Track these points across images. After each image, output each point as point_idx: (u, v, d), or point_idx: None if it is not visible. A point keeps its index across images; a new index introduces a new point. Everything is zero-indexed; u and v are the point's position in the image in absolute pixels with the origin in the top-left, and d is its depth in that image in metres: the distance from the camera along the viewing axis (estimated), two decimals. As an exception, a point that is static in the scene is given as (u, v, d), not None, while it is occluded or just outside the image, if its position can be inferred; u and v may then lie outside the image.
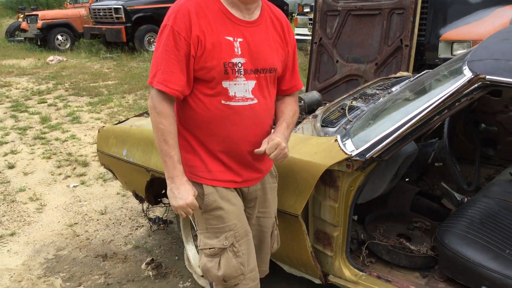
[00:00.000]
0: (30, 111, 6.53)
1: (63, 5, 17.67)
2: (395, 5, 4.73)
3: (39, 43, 13.22)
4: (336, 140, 2.12)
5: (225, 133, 1.71)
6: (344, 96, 2.83)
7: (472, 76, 1.77)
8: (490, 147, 3.23)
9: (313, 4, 5.75)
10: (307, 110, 2.93)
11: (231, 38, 1.64)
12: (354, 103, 2.64)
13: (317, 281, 2.30)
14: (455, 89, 1.81)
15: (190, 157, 1.76)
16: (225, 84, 1.65)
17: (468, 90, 1.78)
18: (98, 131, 3.01)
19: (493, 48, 2.02)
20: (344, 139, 2.12)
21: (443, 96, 1.83)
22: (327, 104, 2.71)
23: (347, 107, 2.54)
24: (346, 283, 2.20)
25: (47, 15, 13.27)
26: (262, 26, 1.73)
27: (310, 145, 2.19)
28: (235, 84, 1.66)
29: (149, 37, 11.60)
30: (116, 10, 11.35)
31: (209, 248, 1.79)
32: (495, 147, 3.20)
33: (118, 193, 3.84)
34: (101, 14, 11.73)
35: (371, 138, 2.00)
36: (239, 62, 1.65)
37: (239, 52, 1.65)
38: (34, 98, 7.40)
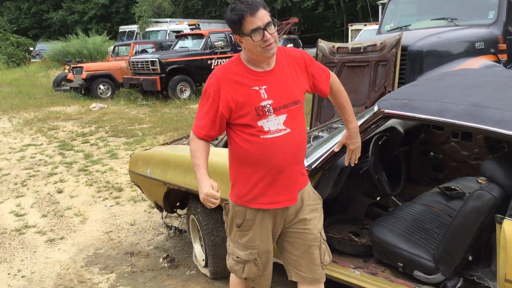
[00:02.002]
0: (75, 149, 7.63)
1: (105, 58, 19.40)
2: (380, 58, 5.59)
3: (83, 92, 14.56)
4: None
5: (267, 162, 2.12)
6: (315, 128, 3.69)
7: (376, 110, 2.60)
8: (439, 171, 3.98)
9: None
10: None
11: (257, 88, 2.10)
12: (320, 133, 3.49)
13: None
14: (366, 118, 2.65)
15: (239, 186, 2.22)
16: (260, 122, 2.09)
17: (374, 119, 2.62)
18: (130, 156, 3.96)
19: (400, 91, 2.86)
20: (300, 157, 2.96)
21: (360, 123, 2.67)
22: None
23: (312, 136, 3.40)
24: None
25: (91, 67, 14.75)
26: (280, 70, 2.16)
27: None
28: (267, 121, 2.10)
29: (181, 86, 12.84)
30: (153, 62, 12.67)
31: (237, 257, 2.31)
32: (442, 171, 3.95)
33: (145, 211, 4.74)
34: (139, 66, 13.07)
35: (317, 155, 2.84)
36: (268, 104, 2.10)
37: (266, 96, 2.10)
38: (78, 139, 8.53)
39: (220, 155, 3.28)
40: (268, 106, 2.10)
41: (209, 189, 2.00)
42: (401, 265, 2.74)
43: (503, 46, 5.90)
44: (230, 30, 2.42)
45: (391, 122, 3.49)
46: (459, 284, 2.57)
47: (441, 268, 2.57)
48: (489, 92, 2.59)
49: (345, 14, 25.41)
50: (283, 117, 2.13)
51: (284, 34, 16.00)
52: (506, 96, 2.52)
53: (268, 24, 1.99)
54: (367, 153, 3.15)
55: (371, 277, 2.77)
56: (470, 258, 2.60)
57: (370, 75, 5.74)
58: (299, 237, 2.31)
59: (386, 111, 2.57)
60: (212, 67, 13.33)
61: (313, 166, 2.78)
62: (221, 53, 13.42)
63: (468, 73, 3.25)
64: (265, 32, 1.99)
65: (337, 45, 6.18)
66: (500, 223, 2.15)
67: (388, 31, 7.11)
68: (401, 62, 5.47)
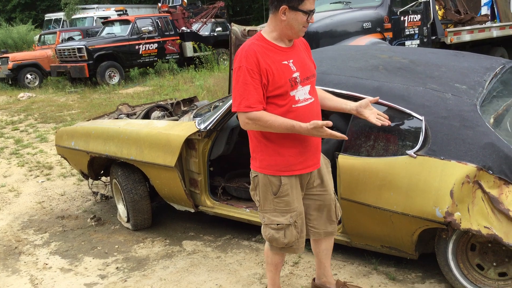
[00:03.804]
0: (6, 136, 7.87)
1: (32, 47, 19.05)
2: (283, 38, 6.33)
3: (10, 82, 14.46)
4: (195, 122, 3.61)
5: None
6: (216, 101, 4.35)
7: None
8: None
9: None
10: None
11: (286, 62, 2.29)
12: (219, 103, 4.14)
13: (192, 210, 3.72)
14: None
15: (270, 158, 2.35)
16: (292, 93, 2.28)
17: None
18: (56, 132, 4.44)
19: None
20: (199, 121, 3.60)
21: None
22: (202, 106, 4.23)
23: (213, 106, 4.05)
24: (208, 208, 3.64)
25: (17, 56, 14.61)
26: (297, 48, 2.38)
27: (181, 126, 3.66)
28: (297, 91, 2.30)
29: (110, 72, 13.09)
30: (79, 49, 12.82)
31: (277, 224, 2.42)
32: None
33: (74, 183, 5.23)
34: (66, 53, 13.15)
35: (212, 119, 3.49)
36: (297, 75, 2.30)
37: (295, 69, 2.30)
38: (8, 127, 8.72)
39: (132, 125, 3.88)
40: (298, 77, 2.31)
41: (313, 122, 2.19)
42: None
43: (388, 25, 6.81)
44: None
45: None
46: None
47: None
48: (336, 63, 3.35)
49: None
50: (307, 88, 2.36)
51: (211, 17, 16.46)
52: (348, 65, 3.29)
53: (314, 10, 2.27)
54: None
55: (258, 213, 3.47)
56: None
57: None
58: (319, 199, 2.54)
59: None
60: (140, 52, 13.67)
61: (208, 128, 3.44)
62: (149, 38, 13.75)
63: (329, 49, 4.02)
64: (312, 16, 2.27)
65: (248, 28, 6.83)
66: (337, 157, 2.90)
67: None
68: (301, 41, 6.24)
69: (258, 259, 3.33)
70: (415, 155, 2.66)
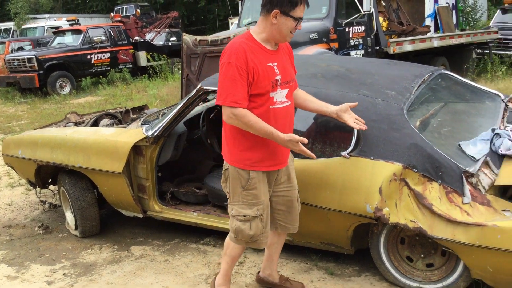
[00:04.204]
0: (-51, 148, 7.62)
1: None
2: (233, 48, 6.48)
3: (-44, 93, 13.99)
4: (142, 129, 3.69)
5: None
6: (164, 108, 4.44)
7: (198, 88, 3.40)
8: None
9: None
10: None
11: (271, 64, 2.40)
12: (166, 111, 4.24)
13: (140, 216, 3.78)
14: (191, 95, 3.45)
15: (241, 153, 2.46)
16: (272, 94, 2.41)
17: (197, 95, 3.42)
18: (2, 141, 4.40)
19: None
20: (147, 128, 3.68)
21: (186, 99, 3.46)
22: (151, 113, 4.32)
23: (161, 113, 4.14)
24: (156, 213, 3.71)
25: (-36, 67, 14.16)
26: (282, 52, 2.50)
27: (128, 133, 3.73)
28: (276, 93, 2.42)
29: (61, 82, 12.88)
30: (29, 59, 12.56)
31: (244, 216, 2.51)
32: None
33: (22, 193, 5.17)
34: (15, 63, 12.85)
35: (159, 126, 3.58)
36: (279, 78, 2.42)
37: (278, 72, 2.42)
38: (-48, 138, 8.45)
39: (80, 133, 3.92)
40: (279, 80, 2.43)
41: (291, 135, 2.33)
42: (227, 204, 3.58)
43: (334, 36, 7.11)
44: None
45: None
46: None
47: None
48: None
49: (230, 7, 26.35)
50: (285, 91, 2.48)
51: (165, 27, 16.49)
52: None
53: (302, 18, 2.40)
54: (203, 123, 3.98)
55: (206, 216, 3.59)
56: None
57: (226, 63, 6.61)
58: (287, 194, 2.68)
59: (204, 87, 3.38)
60: (92, 62, 13.53)
61: (155, 134, 3.53)
62: (101, 47, 13.64)
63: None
64: (300, 23, 2.40)
65: (199, 38, 6.96)
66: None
67: (246, 24, 8.06)
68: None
69: (205, 261, 3.43)
70: (348, 156, 2.84)
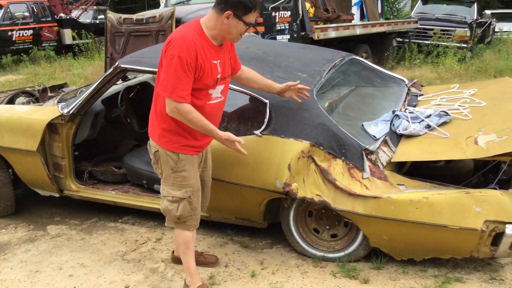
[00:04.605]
0: None
1: None
2: (159, 28, 6.42)
3: None
4: (58, 106, 3.63)
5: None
6: (82, 86, 4.37)
7: (115, 65, 3.40)
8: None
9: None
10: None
11: (215, 62, 2.43)
12: (84, 89, 4.18)
13: (56, 195, 3.74)
14: (108, 73, 3.43)
15: (172, 136, 2.49)
16: (210, 91, 2.47)
17: (114, 73, 3.41)
18: None
19: (139, 52, 3.68)
20: (62, 106, 3.62)
21: (103, 77, 3.45)
22: (69, 91, 4.24)
23: (78, 92, 4.08)
24: (73, 193, 3.68)
25: None
26: (225, 48, 2.52)
27: (43, 110, 3.65)
28: (214, 90, 2.48)
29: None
30: None
31: (172, 197, 2.59)
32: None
33: None
34: None
35: (74, 104, 3.54)
36: (219, 76, 2.48)
37: (220, 70, 2.47)
38: None
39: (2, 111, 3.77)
40: (219, 77, 2.48)
41: (228, 135, 2.47)
42: (145, 182, 3.65)
43: (260, 20, 7.22)
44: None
45: (145, 78, 4.36)
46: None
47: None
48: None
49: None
50: (221, 87, 2.55)
51: (92, 5, 15.88)
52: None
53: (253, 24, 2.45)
54: (122, 102, 3.97)
55: (124, 194, 3.61)
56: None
57: (152, 43, 6.54)
58: (206, 175, 2.82)
59: (122, 66, 3.38)
60: (14, 39, 12.83)
61: (71, 112, 3.49)
62: (23, 24, 12.94)
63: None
64: (250, 29, 2.45)
65: (124, 16, 6.84)
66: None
67: (173, 4, 7.99)
68: (175, 31, 6.39)
69: (122, 238, 3.47)
70: (261, 135, 2.98)
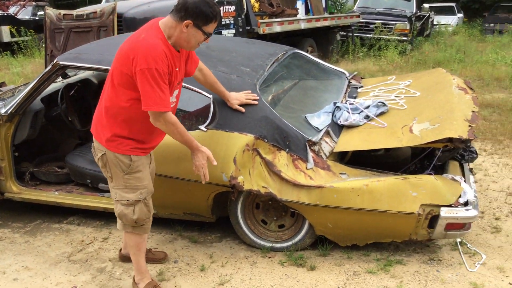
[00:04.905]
0: None
1: None
2: (100, 24, 6.28)
3: None
4: (-4, 107, 3.49)
5: (157, 128, 2.47)
6: (20, 85, 4.22)
7: (54, 62, 3.31)
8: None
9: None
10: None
11: (177, 69, 2.44)
12: (22, 88, 4.04)
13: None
14: (46, 70, 3.34)
15: (123, 139, 2.46)
16: (170, 97, 2.44)
17: (53, 70, 3.32)
18: None
19: (78, 48, 3.60)
20: (0, 106, 3.50)
21: (41, 74, 3.35)
22: (6, 90, 4.09)
23: (16, 90, 3.94)
24: (14, 195, 3.56)
25: None
26: (182, 54, 2.50)
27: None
28: (172, 95, 2.49)
29: None
30: None
31: (127, 200, 2.54)
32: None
33: None
34: None
35: (12, 103, 3.42)
36: (177, 82, 2.50)
37: (178, 77, 2.49)
38: None
39: None
40: (178, 83, 2.51)
41: (208, 152, 2.57)
42: (90, 181, 3.59)
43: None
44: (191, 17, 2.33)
45: (86, 75, 4.27)
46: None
47: (116, 177, 3.49)
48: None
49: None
50: (176, 92, 2.55)
51: (30, 0, 15.27)
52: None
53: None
54: (62, 100, 3.88)
55: (68, 194, 3.53)
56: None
57: (94, 39, 6.38)
58: (152, 171, 2.76)
59: (61, 63, 3.30)
60: None
61: (9, 112, 3.37)
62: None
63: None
64: (208, 39, 2.43)
65: (63, 12, 6.64)
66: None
67: None
68: (119, 27, 6.28)
69: (67, 239, 3.40)
70: (206, 129, 3.00)
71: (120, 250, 3.10)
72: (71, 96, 3.91)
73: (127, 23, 6.33)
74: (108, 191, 3.47)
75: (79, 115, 3.94)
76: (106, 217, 3.55)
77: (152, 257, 3.05)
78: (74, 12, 6.56)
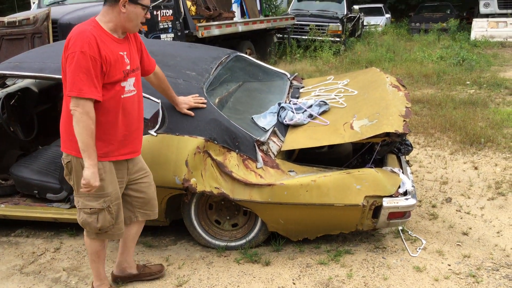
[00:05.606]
0: None
1: None
2: (34, 31, 6.09)
3: None
4: None
5: (124, 119, 2.43)
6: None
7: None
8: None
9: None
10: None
11: (122, 53, 2.38)
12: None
13: None
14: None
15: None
16: (123, 84, 2.40)
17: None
18: None
19: (18, 56, 3.51)
20: None
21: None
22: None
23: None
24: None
25: None
26: (129, 40, 2.48)
27: None
28: (126, 82, 2.42)
29: None
30: None
31: (90, 208, 2.46)
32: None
33: None
34: None
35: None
36: (129, 67, 2.43)
37: (128, 61, 2.42)
38: None
39: None
40: (129, 69, 2.42)
41: (95, 179, 2.30)
42: (37, 192, 3.51)
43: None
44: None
45: (25, 83, 4.16)
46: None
47: (64, 186, 3.44)
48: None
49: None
50: (132, 80, 2.48)
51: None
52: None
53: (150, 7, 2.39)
54: (3, 110, 3.76)
55: (15, 207, 3.44)
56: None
57: (28, 46, 6.19)
58: (144, 181, 2.68)
59: (0, 72, 3.22)
60: None
61: None
62: None
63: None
64: (148, 12, 2.38)
65: (-3, 19, 6.38)
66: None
67: (47, 5, 7.58)
68: (54, 33, 6.13)
69: (18, 252, 3.31)
70: (156, 134, 3.04)
71: (112, 272, 2.95)
72: (12, 105, 3.80)
73: (62, 29, 6.18)
74: (56, 201, 3.46)
75: (21, 125, 3.84)
76: (56, 227, 3.49)
77: (150, 272, 2.97)
78: (6, 19, 6.32)
